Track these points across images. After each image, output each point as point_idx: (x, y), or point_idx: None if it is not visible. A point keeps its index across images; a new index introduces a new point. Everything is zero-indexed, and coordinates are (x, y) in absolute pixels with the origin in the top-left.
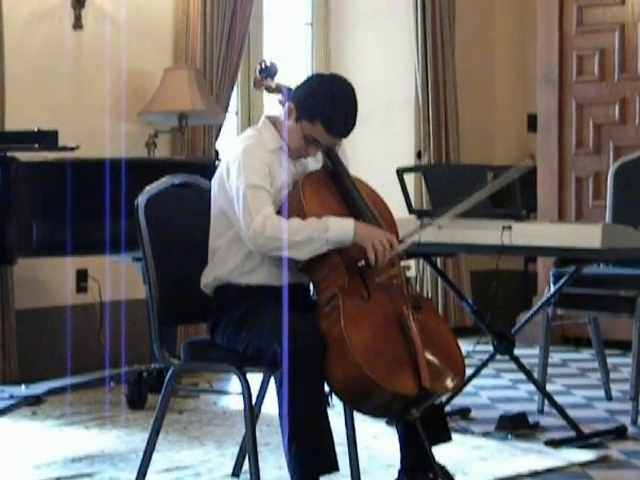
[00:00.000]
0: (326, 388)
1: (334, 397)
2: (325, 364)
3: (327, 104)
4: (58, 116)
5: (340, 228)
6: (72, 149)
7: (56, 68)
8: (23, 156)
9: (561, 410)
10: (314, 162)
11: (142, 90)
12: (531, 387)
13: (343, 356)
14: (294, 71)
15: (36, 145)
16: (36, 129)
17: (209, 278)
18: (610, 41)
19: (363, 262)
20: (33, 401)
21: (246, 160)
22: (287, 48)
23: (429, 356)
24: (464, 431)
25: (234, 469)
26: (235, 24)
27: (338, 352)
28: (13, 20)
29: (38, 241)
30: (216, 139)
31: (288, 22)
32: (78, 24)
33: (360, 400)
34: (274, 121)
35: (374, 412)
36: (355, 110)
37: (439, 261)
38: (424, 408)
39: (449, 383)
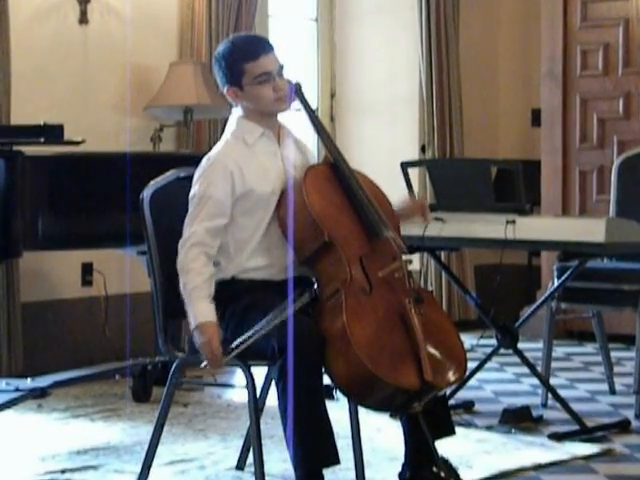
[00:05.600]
0: (329, 381)
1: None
2: (323, 358)
3: (232, 51)
4: (64, 110)
5: (192, 314)
6: (78, 143)
7: (62, 63)
8: (29, 150)
9: (565, 404)
10: (312, 155)
11: (147, 84)
12: (535, 381)
13: (346, 350)
14: (299, 66)
15: (42, 139)
16: (42, 123)
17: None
18: (614, 36)
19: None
20: (38, 394)
21: (204, 170)
22: (292, 43)
23: (431, 349)
24: (468, 424)
25: (238, 462)
26: (240, 19)
27: (341, 346)
28: (19, 15)
29: (43, 234)
30: (221, 133)
31: (293, 17)
32: (84, 19)
33: (362, 394)
34: (244, 114)
35: (377, 406)
36: (249, 35)
37: (443, 255)
38: (426, 401)
39: (451, 376)
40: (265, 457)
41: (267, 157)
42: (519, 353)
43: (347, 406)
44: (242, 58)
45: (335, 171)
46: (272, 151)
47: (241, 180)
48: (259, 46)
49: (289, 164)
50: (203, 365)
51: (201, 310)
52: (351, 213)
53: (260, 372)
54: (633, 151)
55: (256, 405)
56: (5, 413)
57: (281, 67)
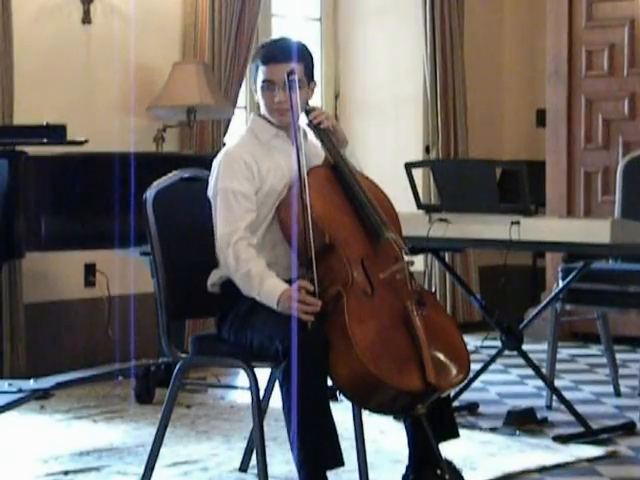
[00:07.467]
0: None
1: None
2: (327, 360)
3: (257, 50)
4: (66, 110)
5: (268, 292)
6: (80, 143)
7: (65, 63)
8: (32, 150)
9: (569, 406)
10: (318, 156)
11: (150, 85)
12: (539, 383)
13: (347, 353)
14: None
15: (44, 139)
16: (45, 123)
17: (215, 277)
18: (620, 36)
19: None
20: (41, 395)
21: (224, 164)
22: None
23: (433, 351)
24: (472, 426)
25: (241, 463)
26: (244, 19)
27: (342, 349)
28: (22, 15)
29: (47, 235)
30: (224, 134)
31: (297, 17)
32: (87, 19)
33: (365, 396)
34: (262, 112)
35: (379, 408)
36: (281, 40)
37: (447, 256)
38: (429, 403)
39: (454, 377)
40: (268, 459)
41: (281, 155)
42: (523, 355)
43: (351, 408)
44: (259, 59)
45: (336, 172)
46: (286, 150)
47: (258, 174)
48: (275, 53)
49: (302, 164)
50: (310, 325)
51: (274, 285)
52: (352, 214)
53: (263, 374)
54: (638, 152)
55: (259, 407)
56: (8, 414)
57: (290, 81)
